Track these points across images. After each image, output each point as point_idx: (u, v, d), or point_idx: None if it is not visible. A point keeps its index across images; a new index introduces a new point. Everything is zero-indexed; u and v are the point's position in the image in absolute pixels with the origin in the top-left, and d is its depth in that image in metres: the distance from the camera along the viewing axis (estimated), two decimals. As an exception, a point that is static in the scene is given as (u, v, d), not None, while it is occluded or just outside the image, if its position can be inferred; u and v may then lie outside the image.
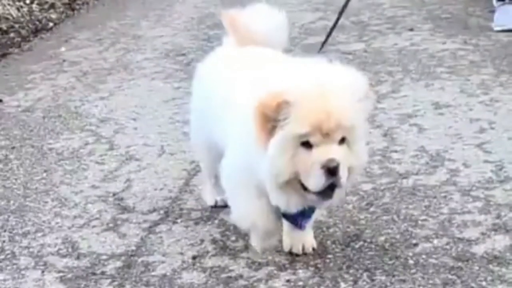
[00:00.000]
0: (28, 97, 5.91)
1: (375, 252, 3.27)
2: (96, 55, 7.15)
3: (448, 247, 3.27)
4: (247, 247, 3.38)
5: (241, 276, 3.17)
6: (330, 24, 7.67)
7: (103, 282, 3.21)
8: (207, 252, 3.38)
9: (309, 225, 3.21)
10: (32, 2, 8.99)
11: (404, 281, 3.05)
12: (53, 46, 7.60)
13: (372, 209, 3.63)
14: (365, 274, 3.11)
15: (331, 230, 3.46)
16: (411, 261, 3.18)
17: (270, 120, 2.74)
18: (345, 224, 3.51)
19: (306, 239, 3.26)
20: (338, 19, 4.03)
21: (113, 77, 6.34)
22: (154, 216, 3.76)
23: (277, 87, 2.77)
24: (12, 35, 7.99)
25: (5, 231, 3.73)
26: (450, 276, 3.05)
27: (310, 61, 2.95)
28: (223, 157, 3.30)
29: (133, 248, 3.47)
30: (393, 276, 3.09)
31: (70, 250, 3.50)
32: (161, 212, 3.80)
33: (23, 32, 8.13)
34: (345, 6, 4.05)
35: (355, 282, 3.07)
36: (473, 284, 2.99)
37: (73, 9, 9.40)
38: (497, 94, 5.18)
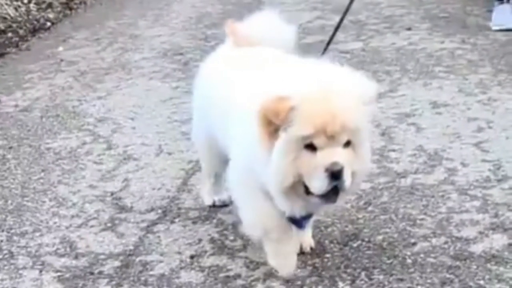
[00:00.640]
0: (25, 97, 5.91)
1: (373, 251, 3.27)
2: (94, 54, 7.15)
3: (446, 246, 3.27)
4: (245, 247, 3.38)
5: (239, 276, 3.17)
6: (328, 23, 7.70)
7: (101, 282, 3.21)
8: (205, 251, 3.38)
9: (309, 224, 3.21)
10: (29, 2, 8.98)
11: (402, 280, 3.05)
12: (50, 45, 7.60)
13: (370, 208, 3.63)
14: (363, 273, 3.11)
15: (329, 229, 3.46)
16: (409, 260, 3.18)
17: (273, 123, 2.68)
18: (343, 223, 3.51)
19: (304, 238, 3.26)
20: (342, 19, 3.96)
21: (111, 77, 6.34)
22: (152, 216, 3.76)
23: (280, 90, 2.71)
24: (9, 34, 7.99)
25: (3, 230, 3.72)
26: (448, 275, 3.06)
27: (316, 62, 2.91)
28: (224, 157, 3.30)
29: (131, 247, 3.47)
30: (391, 275, 3.08)
31: (68, 249, 3.50)
32: (159, 211, 3.80)
33: (21, 31, 8.13)
34: (348, 7, 4.00)
35: (353, 281, 3.06)
36: (471, 283, 2.99)
37: (70, 9, 9.39)
38: (495, 93, 5.18)
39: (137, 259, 3.36)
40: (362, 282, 3.06)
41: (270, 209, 2.95)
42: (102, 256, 3.41)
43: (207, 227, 3.60)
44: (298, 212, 2.90)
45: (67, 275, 3.28)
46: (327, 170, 2.66)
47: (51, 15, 8.87)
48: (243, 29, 3.37)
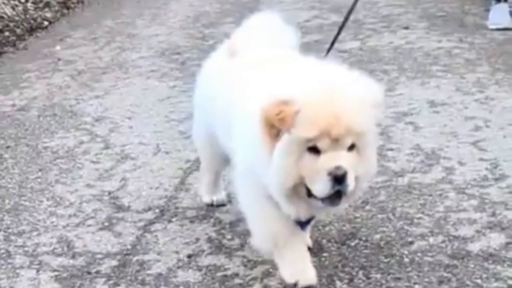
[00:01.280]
0: (23, 96, 5.90)
1: (370, 251, 3.27)
2: (91, 54, 7.15)
3: (443, 245, 3.27)
4: (242, 246, 3.38)
5: (236, 275, 3.16)
6: (325, 22, 7.70)
7: (98, 281, 3.21)
8: (203, 250, 3.38)
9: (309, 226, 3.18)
10: (27, 1, 8.96)
11: (399, 279, 3.05)
12: (48, 45, 7.59)
13: (367, 207, 3.63)
14: (360, 272, 3.11)
15: (326, 228, 3.46)
16: (406, 259, 3.19)
17: (275, 126, 2.63)
18: (341, 223, 3.51)
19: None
20: (346, 19, 3.91)
21: (108, 76, 6.34)
22: (150, 215, 3.75)
23: (284, 92, 2.65)
24: (7, 34, 7.97)
25: (0, 230, 3.72)
26: (445, 274, 3.06)
27: (321, 63, 2.86)
28: (224, 156, 3.28)
29: (129, 247, 3.47)
30: (389, 274, 3.09)
31: (65, 249, 3.49)
32: (157, 211, 3.80)
33: (18, 31, 8.11)
34: (353, 7, 3.96)
35: (351, 280, 3.06)
36: (468, 282, 2.99)
37: (68, 8, 9.38)
38: (493, 92, 5.18)
39: (135, 259, 3.36)
40: (360, 281, 3.06)
41: (280, 220, 2.89)
42: (100, 256, 3.41)
43: (205, 227, 3.60)
44: (303, 215, 2.84)
45: (65, 275, 3.28)
46: (330, 174, 2.60)
47: (48, 14, 8.86)
48: (242, 43, 3.29)
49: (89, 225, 3.70)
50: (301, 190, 2.71)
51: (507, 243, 3.25)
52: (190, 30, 7.81)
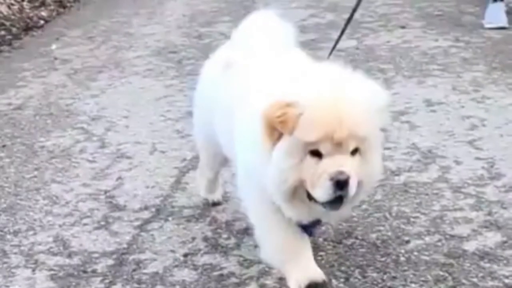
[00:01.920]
0: (19, 95, 5.90)
1: (366, 249, 3.27)
2: (87, 52, 7.14)
3: (439, 244, 3.27)
4: (238, 245, 3.38)
5: (233, 274, 3.16)
6: (322, 21, 7.71)
7: (94, 280, 3.20)
8: (199, 249, 3.38)
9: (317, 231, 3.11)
10: (23, 0, 8.96)
11: (395, 278, 3.05)
12: (44, 44, 7.58)
13: (364, 206, 3.63)
14: (357, 271, 3.11)
15: (322, 227, 3.45)
16: (402, 258, 3.18)
17: (277, 128, 2.57)
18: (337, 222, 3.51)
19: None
20: (349, 19, 3.88)
21: (105, 75, 6.33)
22: (146, 214, 3.75)
23: (286, 95, 2.59)
24: (2, 33, 7.97)
25: (-5, 229, 3.72)
26: (441, 273, 3.06)
27: (326, 66, 2.78)
28: (224, 156, 3.25)
29: (125, 246, 3.46)
30: (385, 273, 3.08)
31: (61, 248, 3.49)
32: (153, 210, 3.79)
33: (14, 30, 8.11)
34: (356, 7, 3.93)
35: (347, 279, 3.06)
36: (464, 281, 2.99)
37: (64, 7, 9.38)
38: (489, 91, 5.19)
39: (131, 258, 3.35)
40: (356, 280, 3.05)
41: (290, 235, 2.84)
42: (96, 255, 3.40)
43: (201, 226, 3.60)
44: (304, 218, 2.78)
45: (60, 274, 3.27)
46: (332, 179, 2.54)
47: (44, 13, 8.86)
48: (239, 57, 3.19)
49: (85, 224, 3.70)
50: (301, 193, 2.66)
51: (503, 242, 3.25)
52: (187, 29, 7.81)
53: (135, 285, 3.14)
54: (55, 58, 6.96)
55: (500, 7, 6.92)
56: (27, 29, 8.23)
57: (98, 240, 3.53)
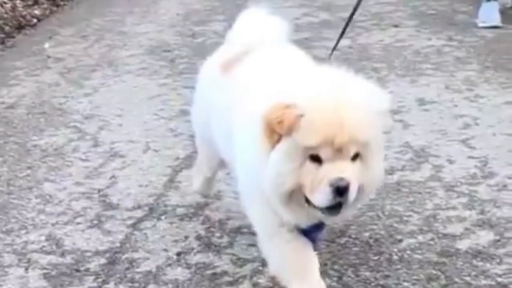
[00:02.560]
0: (11, 94, 5.88)
1: (360, 248, 3.27)
2: (80, 51, 7.13)
3: (432, 242, 3.28)
4: (232, 244, 3.38)
5: (226, 273, 3.16)
6: (315, 20, 7.71)
7: (87, 279, 3.19)
8: (192, 248, 3.38)
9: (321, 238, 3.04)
10: (16, -2, 8.94)
11: (388, 276, 3.05)
12: (37, 42, 7.57)
13: (357, 205, 3.62)
14: (350, 270, 3.11)
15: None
16: (395, 257, 3.19)
17: (277, 132, 2.51)
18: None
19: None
20: (349, 20, 3.86)
21: (98, 74, 6.32)
22: (139, 213, 3.74)
23: (286, 97, 2.53)
24: (-5, 31, 7.96)
25: (-12, 228, 3.71)
26: (434, 272, 3.06)
27: (326, 69, 2.71)
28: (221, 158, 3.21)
29: (118, 244, 3.46)
30: (378, 271, 3.09)
31: (54, 247, 3.48)
32: (146, 208, 3.79)
33: (7, 28, 8.09)
34: (356, 7, 3.91)
35: (340, 278, 3.07)
36: (457, 279, 2.99)
37: (57, 5, 9.36)
38: (482, 90, 5.20)
39: (124, 256, 3.35)
40: (349, 278, 3.06)
41: (297, 249, 2.78)
42: (89, 254, 3.40)
43: (194, 224, 3.60)
44: (302, 221, 2.70)
45: (53, 273, 3.26)
46: (332, 185, 2.48)
47: (37, 12, 8.84)
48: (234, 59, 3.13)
49: (78, 223, 3.69)
50: (299, 197, 2.60)
51: (496, 241, 3.25)
52: (180, 28, 7.81)
53: (128, 284, 3.14)
54: (48, 57, 6.95)
55: (494, 6, 6.94)
56: (20, 27, 8.21)
57: (91, 239, 3.53)
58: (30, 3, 9.01)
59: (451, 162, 4.08)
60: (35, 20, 8.56)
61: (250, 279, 3.10)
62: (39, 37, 7.79)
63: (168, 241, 3.45)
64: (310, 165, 2.51)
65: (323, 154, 2.49)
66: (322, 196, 2.51)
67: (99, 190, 4.03)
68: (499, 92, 5.14)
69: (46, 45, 7.37)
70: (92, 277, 3.20)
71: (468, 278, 3.00)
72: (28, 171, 4.35)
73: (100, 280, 3.18)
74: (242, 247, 3.33)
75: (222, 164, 3.41)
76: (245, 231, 3.46)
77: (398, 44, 6.50)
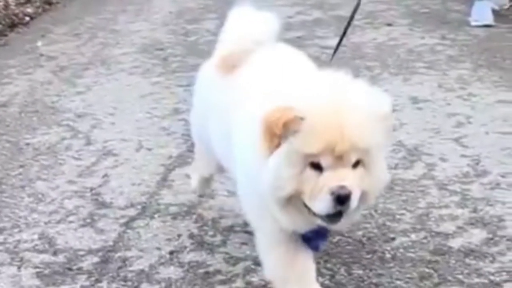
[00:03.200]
0: (4, 92, 5.87)
1: (352, 247, 3.27)
2: (73, 49, 7.12)
3: (425, 241, 3.28)
4: (224, 242, 3.38)
5: (218, 271, 3.16)
6: (308, 19, 7.71)
7: (79, 278, 3.19)
8: (185, 247, 3.37)
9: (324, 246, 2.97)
10: (8, -4, 8.92)
11: (381, 275, 3.05)
12: (29, 40, 7.55)
13: (350, 203, 3.62)
14: (342, 268, 3.11)
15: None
16: (388, 255, 3.19)
17: (277, 136, 2.45)
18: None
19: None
20: (350, 21, 3.84)
21: (91, 72, 6.32)
22: (132, 212, 3.74)
23: (286, 101, 2.47)
24: (-12, 29, 7.94)
25: (-20, 227, 3.70)
26: (427, 270, 3.06)
27: (327, 73, 2.63)
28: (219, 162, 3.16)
29: (110, 243, 3.45)
30: (371, 270, 3.09)
31: (46, 245, 3.47)
32: (139, 207, 3.78)
33: (0, 26, 8.07)
34: (356, 8, 3.89)
35: (333, 276, 3.06)
36: (449, 278, 3.00)
37: (50, 3, 9.35)
38: (475, 88, 5.21)
39: (116, 255, 3.34)
40: (342, 277, 3.06)
41: (295, 257, 2.74)
42: (81, 252, 3.39)
43: (187, 223, 3.59)
44: (300, 227, 2.63)
45: (46, 271, 3.26)
46: (333, 193, 2.42)
47: (30, 10, 8.82)
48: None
49: (70, 222, 3.68)
50: (297, 201, 2.52)
51: (489, 239, 3.26)
52: (173, 26, 7.80)
53: (121, 282, 3.13)
54: (41, 55, 6.94)
55: (486, 5, 6.96)
56: (13, 25, 8.19)
57: (83, 238, 3.52)
58: (22, 1, 9.00)
59: (444, 160, 4.08)
60: (27, 18, 8.55)
61: (243, 278, 3.10)
62: (31, 35, 7.78)
63: (161, 239, 3.45)
64: (310, 172, 2.45)
65: (323, 161, 2.43)
66: (322, 204, 2.45)
67: (91, 189, 4.02)
68: (492, 90, 5.16)
69: (39, 43, 7.36)
70: (84, 276, 3.20)
71: (460, 276, 3.00)
72: (21, 170, 4.34)
73: (93, 279, 3.17)
74: (235, 245, 3.33)
75: (219, 169, 3.35)
76: (238, 229, 3.46)
77: (391, 43, 6.51)
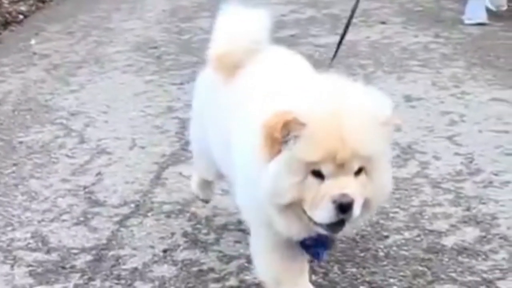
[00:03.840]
0: (-3, 90, 5.86)
1: (346, 245, 3.27)
2: (67, 48, 7.10)
3: (418, 239, 3.29)
4: (218, 240, 3.38)
5: (212, 269, 3.15)
6: (302, 17, 7.71)
7: (73, 276, 3.18)
8: (178, 245, 3.37)
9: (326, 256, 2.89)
10: (2, -6, 8.90)
11: (374, 273, 3.05)
12: (23, 39, 7.53)
13: (343, 201, 3.62)
14: (336, 267, 3.11)
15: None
16: (381, 253, 3.19)
17: (277, 141, 2.39)
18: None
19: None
20: (349, 22, 3.83)
21: (84, 70, 6.30)
22: (125, 210, 3.73)
23: (287, 106, 2.42)
24: (-19, 27, 7.92)
25: (-27, 225, 3.69)
26: (420, 268, 3.07)
27: (327, 77, 2.60)
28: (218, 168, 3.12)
29: (104, 241, 3.45)
30: (364, 268, 3.09)
31: (40, 244, 3.47)
32: (132, 205, 3.78)
33: (-7, 24, 8.06)
34: (355, 7, 3.88)
35: (326, 274, 3.07)
36: (443, 276, 3.00)
37: (43, 1, 9.32)
38: (468, 87, 5.21)
39: (110, 253, 3.34)
40: (335, 275, 3.06)
41: (288, 261, 2.71)
42: (75, 251, 3.39)
43: (180, 221, 3.59)
44: (297, 234, 2.56)
45: (39, 270, 3.25)
46: (335, 202, 2.36)
47: (23, 8, 8.80)
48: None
49: (64, 220, 3.68)
50: (296, 208, 2.47)
51: (482, 237, 3.27)
52: (167, 24, 7.79)
53: (114, 281, 3.13)
54: (34, 53, 6.92)
55: (480, 3, 6.96)
56: (6, 24, 8.17)
57: (77, 236, 3.52)
58: (16, -1, 8.98)
59: (437, 158, 4.09)
60: (21, 17, 8.52)
61: (236, 276, 3.10)
62: (25, 34, 7.76)
63: (154, 238, 3.45)
64: (311, 181, 2.40)
65: (324, 169, 2.38)
66: (324, 213, 2.40)
67: (85, 187, 4.02)
68: (486, 89, 5.16)
69: (32, 42, 7.34)
70: (78, 274, 3.19)
71: (454, 274, 3.01)
72: (14, 168, 4.33)
73: (86, 277, 3.17)
74: (229, 244, 3.33)
75: (219, 176, 3.26)
76: (232, 228, 3.46)
77: (385, 41, 6.52)
